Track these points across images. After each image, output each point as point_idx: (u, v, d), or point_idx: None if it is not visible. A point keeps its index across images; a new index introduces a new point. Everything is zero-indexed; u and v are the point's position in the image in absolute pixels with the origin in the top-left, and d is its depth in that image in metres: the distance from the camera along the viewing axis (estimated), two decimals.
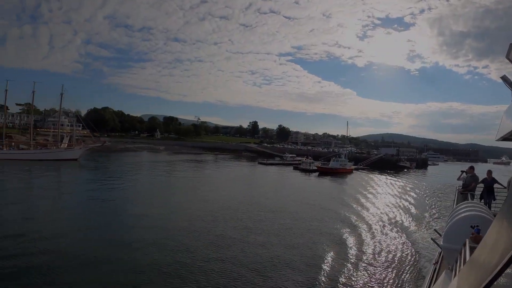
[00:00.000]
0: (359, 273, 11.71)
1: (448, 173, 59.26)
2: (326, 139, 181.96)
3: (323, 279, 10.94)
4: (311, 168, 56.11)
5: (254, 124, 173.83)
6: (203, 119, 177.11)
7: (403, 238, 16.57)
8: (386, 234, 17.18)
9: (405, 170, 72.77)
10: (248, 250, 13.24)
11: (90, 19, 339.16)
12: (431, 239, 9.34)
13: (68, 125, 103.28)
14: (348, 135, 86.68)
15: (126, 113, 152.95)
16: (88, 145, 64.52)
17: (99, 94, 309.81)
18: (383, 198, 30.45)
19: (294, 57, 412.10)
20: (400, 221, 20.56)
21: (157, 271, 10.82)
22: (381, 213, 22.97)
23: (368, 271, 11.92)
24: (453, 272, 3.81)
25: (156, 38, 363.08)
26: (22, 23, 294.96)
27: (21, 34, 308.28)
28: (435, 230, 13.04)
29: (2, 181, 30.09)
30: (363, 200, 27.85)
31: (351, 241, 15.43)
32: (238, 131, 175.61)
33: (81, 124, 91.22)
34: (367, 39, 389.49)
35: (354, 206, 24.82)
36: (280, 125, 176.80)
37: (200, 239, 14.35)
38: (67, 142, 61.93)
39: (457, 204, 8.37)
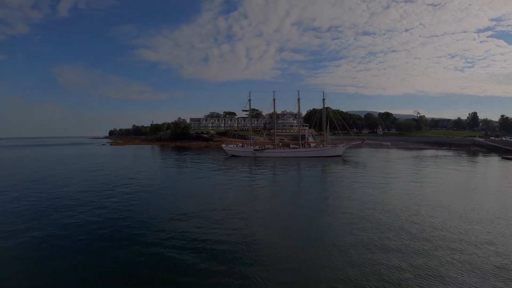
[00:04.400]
0: None
1: None
2: None
3: None
4: None
5: (474, 116, 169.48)
6: (404, 112, 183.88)
7: None
8: None
9: None
10: None
11: (278, 29, 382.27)
12: None
13: (296, 126, 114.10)
14: None
15: (344, 111, 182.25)
16: (350, 142, 69.60)
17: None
18: None
19: (494, 31, 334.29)
20: None
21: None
22: None
23: None
24: None
25: (346, 35, 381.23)
26: (220, 43, 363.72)
27: (220, 52, 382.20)
28: None
29: (306, 171, 38.43)
30: None
31: None
32: (456, 124, 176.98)
33: (307, 124, 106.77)
34: None
35: None
36: (503, 115, 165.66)
37: None
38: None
39: None
